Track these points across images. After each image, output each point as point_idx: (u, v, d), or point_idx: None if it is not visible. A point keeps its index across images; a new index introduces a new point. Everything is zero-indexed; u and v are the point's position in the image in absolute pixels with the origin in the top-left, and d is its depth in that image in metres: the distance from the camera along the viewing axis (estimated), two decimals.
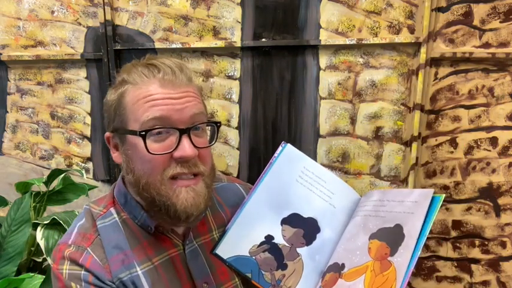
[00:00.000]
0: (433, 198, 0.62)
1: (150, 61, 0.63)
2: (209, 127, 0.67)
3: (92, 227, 0.67)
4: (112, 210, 0.69)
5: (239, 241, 0.72)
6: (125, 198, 0.68)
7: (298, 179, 0.75)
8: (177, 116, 0.59)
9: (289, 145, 0.78)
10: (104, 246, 0.64)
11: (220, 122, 0.67)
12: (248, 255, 0.72)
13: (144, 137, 0.58)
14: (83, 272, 0.62)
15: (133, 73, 0.62)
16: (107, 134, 0.67)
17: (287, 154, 0.77)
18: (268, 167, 0.76)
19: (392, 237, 0.63)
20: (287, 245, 0.72)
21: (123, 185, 0.69)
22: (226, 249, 0.72)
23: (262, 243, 0.72)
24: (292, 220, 0.73)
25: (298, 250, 0.71)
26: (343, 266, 0.67)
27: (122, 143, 0.64)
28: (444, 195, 0.63)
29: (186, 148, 0.60)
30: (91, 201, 0.72)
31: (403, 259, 0.59)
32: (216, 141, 0.67)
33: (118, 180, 0.71)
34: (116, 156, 0.67)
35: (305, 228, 0.72)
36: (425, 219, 0.61)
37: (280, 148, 0.77)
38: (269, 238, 0.72)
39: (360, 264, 0.64)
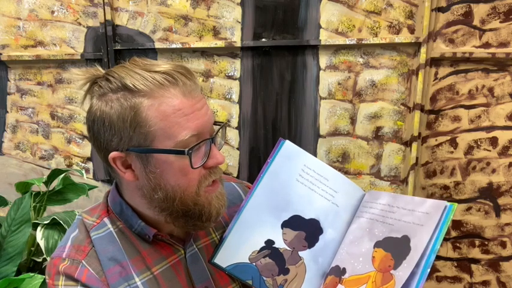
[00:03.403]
0: (444, 207, 0.58)
1: (155, 68, 0.57)
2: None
3: (86, 238, 0.64)
4: (106, 220, 0.66)
5: (238, 248, 0.69)
6: (120, 207, 0.66)
7: (298, 178, 0.71)
8: (206, 127, 0.59)
9: (287, 142, 0.72)
10: (99, 259, 0.62)
11: (227, 122, 0.68)
12: (248, 262, 0.68)
13: (190, 155, 0.57)
14: (79, 287, 0.60)
15: (141, 80, 0.55)
16: (116, 154, 0.58)
17: (285, 152, 0.72)
18: (265, 166, 0.72)
19: (398, 249, 0.59)
20: (288, 249, 0.68)
21: (118, 194, 0.67)
22: (224, 258, 0.68)
23: (262, 249, 0.68)
24: (293, 222, 0.69)
25: (300, 253, 0.68)
26: (344, 270, 0.64)
27: (145, 162, 0.59)
28: (457, 204, 0.59)
29: (218, 156, 0.61)
30: (83, 211, 0.70)
31: (404, 273, 0.56)
32: (224, 141, 0.68)
33: (112, 189, 0.69)
34: (128, 175, 0.60)
35: (307, 230, 0.69)
36: (436, 231, 0.57)
37: (277, 145, 0.72)
38: (269, 243, 0.69)
39: (362, 273, 0.61)
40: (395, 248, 0.60)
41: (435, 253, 0.56)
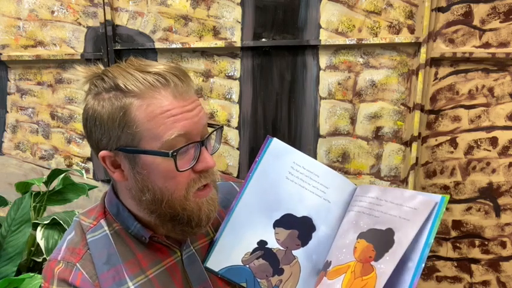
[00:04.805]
0: (435, 204, 0.57)
1: (149, 68, 0.57)
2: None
3: (82, 240, 0.64)
4: (102, 222, 0.66)
5: (230, 251, 0.68)
6: (117, 208, 0.66)
7: (288, 176, 0.70)
8: (196, 129, 0.57)
9: (275, 139, 0.72)
10: (94, 262, 0.62)
11: (223, 126, 0.65)
12: (241, 264, 0.68)
13: (175, 157, 0.56)
14: None
15: (133, 81, 0.56)
16: (105, 153, 0.59)
17: (274, 150, 0.71)
18: (254, 165, 0.71)
19: (380, 240, 0.59)
20: (282, 248, 0.68)
21: (114, 195, 0.66)
22: (217, 261, 0.68)
23: (255, 250, 0.68)
24: (285, 221, 0.69)
25: (294, 252, 0.67)
26: (329, 263, 0.64)
27: (132, 163, 0.59)
28: (449, 196, 0.57)
29: (208, 159, 0.59)
30: (81, 213, 0.70)
31: (387, 267, 0.55)
32: (220, 145, 0.66)
33: (108, 190, 0.68)
34: (117, 175, 0.61)
35: (299, 228, 0.68)
36: (428, 224, 0.56)
37: (265, 143, 0.72)
38: (262, 244, 0.68)
39: (343, 263, 0.61)
40: (377, 239, 0.59)
41: (429, 247, 0.55)
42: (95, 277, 0.61)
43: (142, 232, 0.64)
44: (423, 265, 0.55)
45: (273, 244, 0.68)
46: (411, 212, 0.59)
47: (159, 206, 0.60)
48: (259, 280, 0.67)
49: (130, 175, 0.60)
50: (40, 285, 1.03)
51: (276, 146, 0.72)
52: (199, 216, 0.61)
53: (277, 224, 0.69)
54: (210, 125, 0.63)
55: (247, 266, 0.68)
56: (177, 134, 0.56)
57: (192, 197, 0.60)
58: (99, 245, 0.64)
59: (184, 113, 0.56)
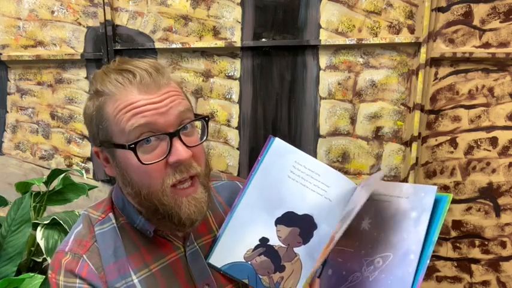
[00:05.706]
0: (438, 199, 0.57)
1: (123, 66, 0.59)
2: (198, 122, 0.64)
3: (89, 233, 0.65)
4: (111, 215, 0.67)
5: (232, 247, 0.69)
6: (122, 202, 0.67)
7: (290, 175, 0.71)
8: (162, 120, 0.57)
9: (277, 139, 0.73)
10: (100, 254, 0.63)
11: (208, 116, 0.64)
12: (243, 260, 0.69)
13: (134, 150, 0.56)
14: (77, 282, 0.61)
15: (107, 82, 0.58)
16: (94, 149, 0.64)
17: (276, 149, 0.72)
18: (256, 164, 0.72)
19: (345, 217, 0.61)
20: (283, 245, 0.69)
21: (120, 190, 0.67)
22: (219, 258, 0.69)
23: (257, 247, 0.69)
24: (287, 219, 0.70)
25: (296, 250, 0.68)
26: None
27: (113, 157, 0.61)
28: (451, 195, 0.57)
29: (179, 151, 0.57)
30: (89, 206, 0.71)
31: (339, 233, 0.57)
32: (207, 136, 0.64)
33: (115, 185, 0.69)
34: (108, 169, 0.64)
35: (301, 226, 0.69)
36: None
37: (268, 143, 0.73)
38: (264, 241, 0.69)
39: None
40: (345, 217, 0.62)
41: (433, 244, 0.55)
42: (100, 269, 0.62)
43: (147, 226, 0.65)
44: (428, 262, 0.55)
45: (274, 241, 0.69)
46: (368, 186, 0.62)
47: (141, 199, 0.61)
48: (261, 277, 0.68)
49: (116, 169, 0.62)
50: (40, 285, 1.03)
51: (278, 146, 0.73)
52: (179, 215, 0.60)
53: (278, 221, 0.70)
54: (196, 116, 0.62)
55: (249, 262, 0.69)
56: (137, 125, 0.56)
57: (170, 193, 0.59)
58: (107, 237, 0.65)
59: (149, 105, 0.57)
